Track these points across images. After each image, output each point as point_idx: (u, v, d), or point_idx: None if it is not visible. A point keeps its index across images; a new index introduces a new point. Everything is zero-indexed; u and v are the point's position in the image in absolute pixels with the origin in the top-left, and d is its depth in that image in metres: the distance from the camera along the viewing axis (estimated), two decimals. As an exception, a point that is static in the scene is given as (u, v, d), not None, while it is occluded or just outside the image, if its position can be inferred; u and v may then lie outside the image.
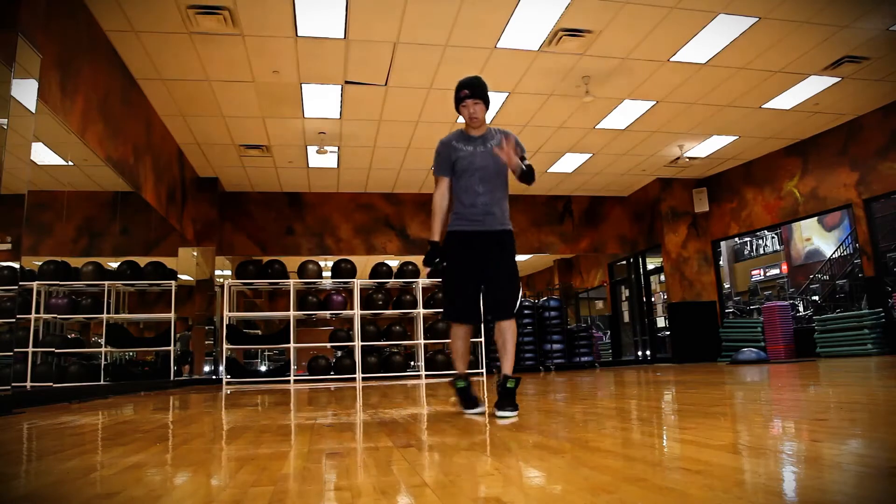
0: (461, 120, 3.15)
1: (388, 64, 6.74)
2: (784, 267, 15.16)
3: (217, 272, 10.40)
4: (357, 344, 9.10)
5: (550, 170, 10.58)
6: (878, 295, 8.59)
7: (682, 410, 2.91)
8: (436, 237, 3.09)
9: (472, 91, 3.00)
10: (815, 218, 11.22)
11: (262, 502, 1.23)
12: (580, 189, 11.87)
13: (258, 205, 11.09)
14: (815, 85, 7.60)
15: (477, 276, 3.03)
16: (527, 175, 3.03)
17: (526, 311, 11.15)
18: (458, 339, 3.07)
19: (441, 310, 9.75)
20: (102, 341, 8.57)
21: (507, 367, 2.93)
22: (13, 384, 4.77)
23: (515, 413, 2.74)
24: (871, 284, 8.77)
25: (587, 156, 10.00)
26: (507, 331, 2.96)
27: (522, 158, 3.04)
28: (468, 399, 2.98)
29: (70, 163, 7.33)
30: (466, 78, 3.08)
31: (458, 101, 3.04)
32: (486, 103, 3.05)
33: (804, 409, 2.71)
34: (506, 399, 2.79)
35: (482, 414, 2.88)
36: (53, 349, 8.41)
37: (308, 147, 9.09)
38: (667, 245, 11.25)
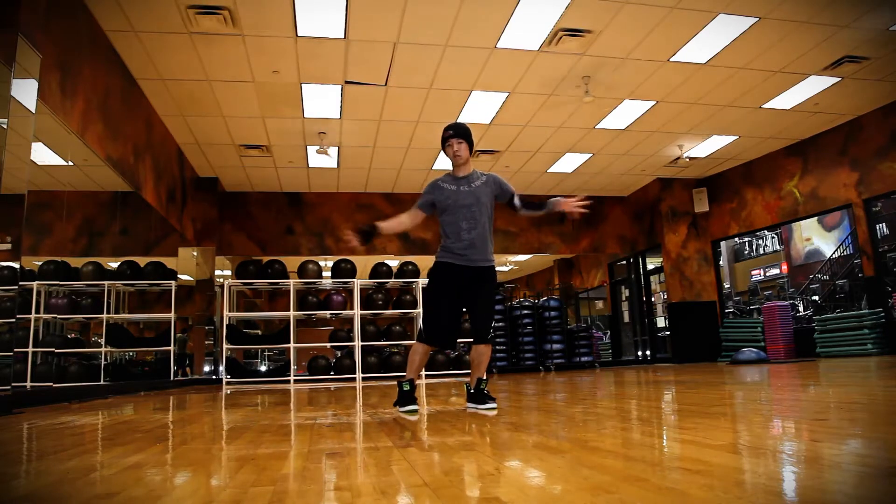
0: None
1: (388, 64, 6.74)
2: (784, 267, 15.17)
3: (217, 272, 10.40)
4: (357, 344, 9.10)
5: (550, 170, 10.58)
6: (878, 295, 8.59)
7: (682, 410, 2.91)
8: (380, 225, 3.38)
9: (455, 132, 3.34)
10: (815, 218, 11.21)
11: (262, 502, 1.23)
12: (580, 189, 11.86)
13: (258, 205, 11.09)
14: (815, 85, 7.60)
15: (457, 308, 3.36)
16: (529, 207, 3.41)
17: (526, 311, 11.16)
18: (417, 355, 3.39)
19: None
20: (102, 341, 8.57)
21: (481, 374, 3.34)
22: (13, 384, 4.77)
23: (496, 405, 3.21)
24: (871, 284, 8.77)
25: (587, 156, 10.00)
26: (484, 353, 3.35)
27: (513, 195, 3.40)
28: (409, 399, 3.23)
29: (70, 163, 7.32)
30: (452, 122, 3.51)
31: (444, 141, 3.37)
32: (470, 144, 3.38)
33: (804, 409, 2.71)
34: (485, 396, 3.24)
35: (415, 413, 3.13)
36: (53, 349, 8.40)
37: (308, 147, 9.09)
38: (667, 245, 11.25)
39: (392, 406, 3.37)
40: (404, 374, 3.37)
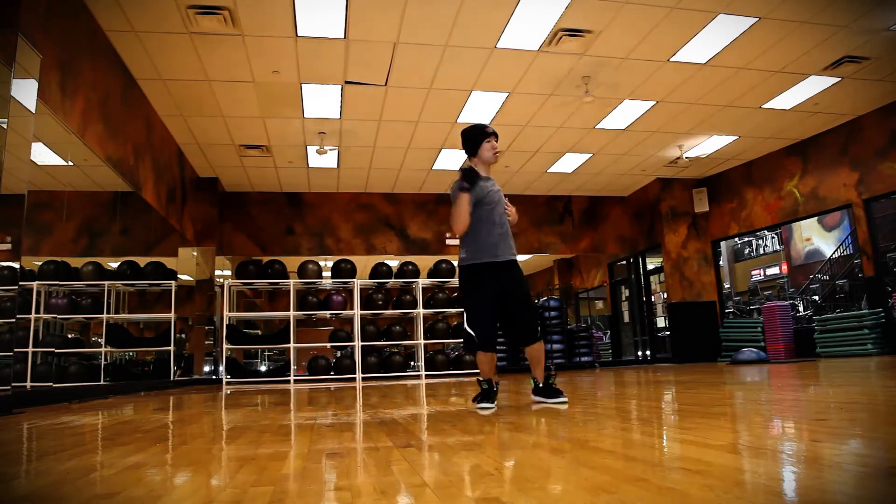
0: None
1: (388, 64, 6.74)
2: (784, 267, 15.17)
3: (217, 272, 10.40)
4: (357, 344, 9.10)
5: (550, 170, 10.58)
6: (878, 295, 8.59)
7: (682, 410, 2.91)
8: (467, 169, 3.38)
9: (494, 132, 3.47)
10: (815, 218, 11.22)
11: (262, 502, 1.23)
12: (580, 189, 11.87)
13: (258, 205, 11.09)
14: (815, 85, 7.60)
15: (497, 307, 3.35)
16: None
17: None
18: (485, 364, 3.35)
19: (441, 309, 9.75)
20: (102, 341, 8.57)
21: (539, 374, 3.42)
22: (13, 384, 4.77)
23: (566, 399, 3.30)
24: (871, 284, 8.77)
25: (587, 156, 10.00)
26: (537, 352, 3.39)
27: None
28: (487, 396, 3.26)
29: (70, 163, 7.33)
30: (482, 123, 3.56)
31: (484, 137, 3.44)
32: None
33: (804, 409, 2.71)
34: (551, 390, 3.34)
35: (489, 410, 3.12)
36: (53, 349, 8.40)
37: (308, 147, 9.09)
38: (667, 245, 11.25)
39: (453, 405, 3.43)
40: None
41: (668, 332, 11.88)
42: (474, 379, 3.59)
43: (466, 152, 3.52)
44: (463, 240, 3.40)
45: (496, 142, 3.46)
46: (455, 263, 10.29)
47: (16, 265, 4.46)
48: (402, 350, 10.44)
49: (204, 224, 10.19)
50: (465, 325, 3.36)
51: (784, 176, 9.98)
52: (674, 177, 11.29)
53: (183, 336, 9.71)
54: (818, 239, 14.15)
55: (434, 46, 6.41)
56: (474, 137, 3.47)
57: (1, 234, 4.35)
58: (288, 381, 8.89)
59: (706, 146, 9.77)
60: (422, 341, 9.50)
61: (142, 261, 9.20)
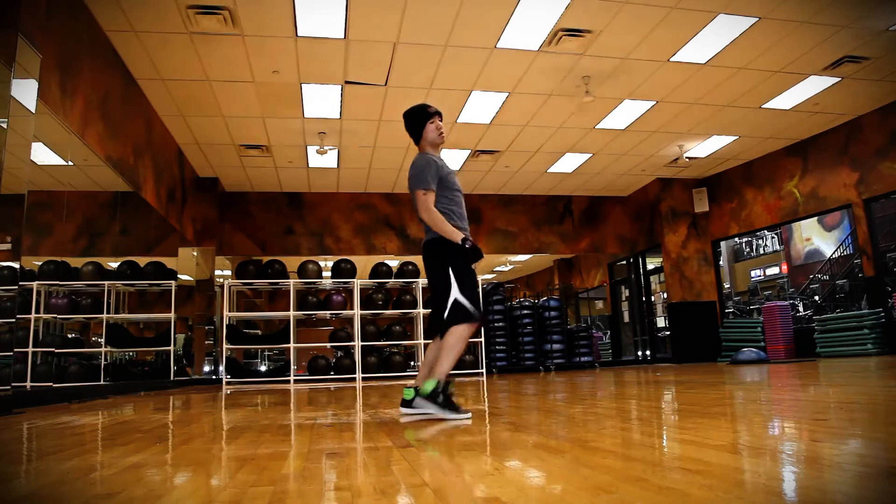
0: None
1: (388, 64, 6.74)
2: (784, 267, 15.17)
3: (217, 272, 10.40)
4: (357, 344, 9.10)
5: (550, 170, 10.57)
6: (878, 295, 8.59)
7: (682, 410, 2.91)
8: (462, 234, 3.08)
9: (437, 111, 3.18)
10: (815, 218, 11.21)
11: (262, 502, 1.23)
12: (580, 189, 11.87)
13: (258, 205, 11.09)
14: (815, 85, 7.60)
15: None
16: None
17: (526, 311, 11.16)
18: (465, 342, 3.01)
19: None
20: (102, 341, 8.57)
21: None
22: (13, 384, 4.77)
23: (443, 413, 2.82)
24: (871, 284, 8.77)
25: (587, 156, 10.00)
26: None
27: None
28: (451, 402, 2.85)
29: (70, 163, 7.32)
30: (422, 104, 3.24)
31: (427, 118, 3.15)
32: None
33: (804, 409, 2.71)
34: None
35: (468, 417, 2.76)
36: (53, 349, 8.40)
37: (308, 147, 9.09)
38: (667, 245, 11.25)
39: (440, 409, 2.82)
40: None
41: (668, 332, 11.88)
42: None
43: (412, 138, 3.24)
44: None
45: (440, 121, 3.17)
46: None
47: (16, 265, 4.46)
48: (402, 350, 10.44)
49: (204, 224, 10.19)
50: (460, 297, 2.99)
51: (784, 176, 9.98)
52: (674, 177, 11.29)
53: (189, 334, 9.72)
54: (818, 239, 14.15)
55: (434, 46, 6.41)
56: (416, 121, 3.15)
57: (1, 234, 4.35)
58: (288, 381, 8.89)
59: (706, 146, 9.77)
60: (422, 341, 9.50)
61: (142, 261, 9.20)
